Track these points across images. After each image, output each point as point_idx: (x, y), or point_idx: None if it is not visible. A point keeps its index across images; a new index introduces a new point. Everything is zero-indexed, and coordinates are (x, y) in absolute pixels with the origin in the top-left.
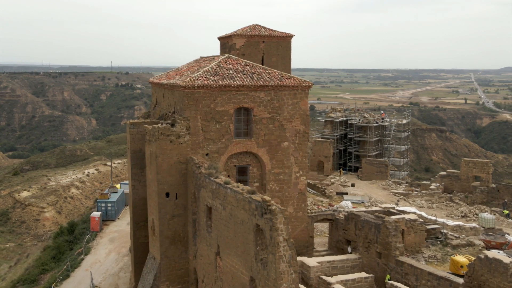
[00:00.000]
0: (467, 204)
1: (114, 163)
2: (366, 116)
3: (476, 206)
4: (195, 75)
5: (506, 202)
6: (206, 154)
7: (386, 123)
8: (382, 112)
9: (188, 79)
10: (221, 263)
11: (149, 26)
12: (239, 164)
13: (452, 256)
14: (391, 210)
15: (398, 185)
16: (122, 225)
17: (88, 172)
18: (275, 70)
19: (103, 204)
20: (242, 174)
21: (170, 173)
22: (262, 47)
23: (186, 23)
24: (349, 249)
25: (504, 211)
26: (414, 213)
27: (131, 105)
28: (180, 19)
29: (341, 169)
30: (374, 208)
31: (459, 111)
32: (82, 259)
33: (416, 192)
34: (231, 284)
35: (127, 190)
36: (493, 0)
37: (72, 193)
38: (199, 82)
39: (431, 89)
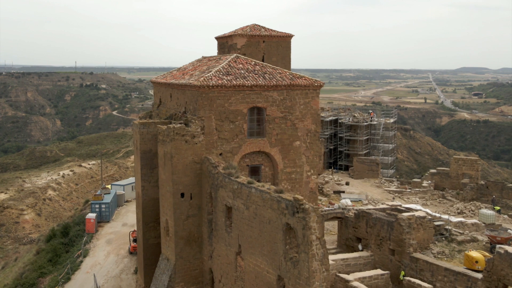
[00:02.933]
0: (459, 201)
1: (89, 164)
2: (356, 115)
3: (471, 202)
4: (208, 74)
5: (495, 198)
6: (220, 154)
7: (375, 122)
8: (370, 111)
9: (202, 78)
10: (243, 263)
11: (114, 26)
12: (251, 163)
13: (466, 252)
14: (398, 207)
15: (390, 183)
16: (117, 227)
17: (63, 174)
18: (284, 70)
19: (97, 206)
20: (254, 173)
21: (185, 173)
22: (262, 47)
23: (153, 22)
24: (359, 247)
25: (495, 207)
26: (420, 210)
27: (96, 105)
28: (147, 19)
29: (332, 167)
30: (381, 206)
31: (419, 110)
32: (81, 262)
33: (409, 190)
34: (255, 284)
35: (119, 191)
36: (448, 2)
37: (50, 194)
38: (213, 82)
39: (392, 89)
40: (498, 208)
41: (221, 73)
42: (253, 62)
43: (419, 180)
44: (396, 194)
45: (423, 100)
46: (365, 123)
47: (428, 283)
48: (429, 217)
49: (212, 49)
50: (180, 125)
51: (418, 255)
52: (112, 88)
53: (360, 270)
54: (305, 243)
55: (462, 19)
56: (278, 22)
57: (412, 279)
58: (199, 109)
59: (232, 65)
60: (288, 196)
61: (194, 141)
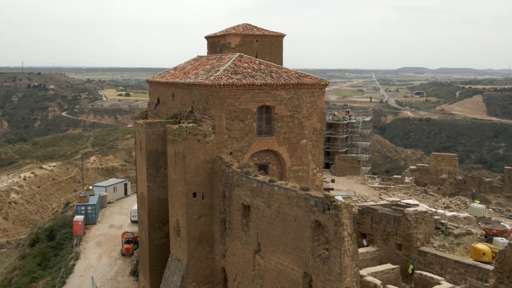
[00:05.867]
0: (441, 196)
1: (50, 166)
2: (335, 113)
3: (456, 197)
4: (218, 73)
5: (475, 193)
6: (230, 153)
7: (353, 121)
8: (349, 110)
9: (212, 77)
10: (262, 261)
11: (63, 24)
12: (259, 162)
13: (472, 244)
14: (398, 203)
15: (373, 180)
16: (105, 228)
17: (25, 176)
18: (289, 69)
19: (83, 208)
20: (262, 172)
21: (197, 172)
22: (255, 46)
23: (107, 21)
24: (364, 242)
25: (475, 201)
26: (418, 205)
27: (44, 106)
28: (102, 18)
29: None
30: (382, 202)
31: (365, 109)
32: (74, 265)
33: (393, 186)
34: (277, 281)
35: (102, 193)
36: (390, 4)
37: (13, 198)
38: (224, 81)
39: (338, 88)
40: (478, 201)
41: (229, 72)
42: (257, 61)
43: (399, 176)
44: (382, 190)
45: (368, 99)
46: (345, 122)
47: (437, 276)
48: (430, 212)
49: (164, 49)
50: (192, 124)
51: (426, 248)
52: (60, 89)
53: (368, 265)
54: (337, 240)
55: (401, 21)
56: (225, 23)
57: (424, 273)
58: (210, 108)
59: (237, 64)
60: (317, 193)
61: (205, 141)
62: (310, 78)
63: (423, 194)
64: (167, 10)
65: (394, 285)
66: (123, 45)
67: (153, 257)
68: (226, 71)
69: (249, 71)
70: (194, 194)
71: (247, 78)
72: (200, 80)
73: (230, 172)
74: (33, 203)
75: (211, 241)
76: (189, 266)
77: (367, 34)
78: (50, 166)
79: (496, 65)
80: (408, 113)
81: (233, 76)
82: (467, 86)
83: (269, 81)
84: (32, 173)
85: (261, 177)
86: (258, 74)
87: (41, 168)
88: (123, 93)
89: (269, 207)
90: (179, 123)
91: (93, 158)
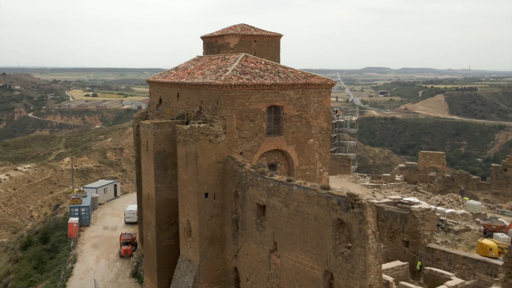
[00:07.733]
0: (431, 193)
1: (25, 168)
2: None
3: (449, 194)
4: (227, 74)
5: (463, 190)
6: (240, 153)
7: (342, 120)
8: (337, 109)
9: (223, 78)
10: (278, 260)
11: (30, 24)
12: (268, 162)
13: (479, 240)
14: (401, 200)
15: (364, 178)
16: (99, 230)
17: (0, 179)
18: (295, 69)
19: (76, 210)
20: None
21: (209, 173)
22: (253, 46)
23: (72, 20)
24: None
25: (464, 198)
26: (420, 203)
27: (10, 107)
28: (67, 17)
29: None
30: (385, 200)
31: (332, 108)
32: (72, 268)
33: (385, 184)
34: (295, 280)
35: (94, 194)
36: (353, 5)
37: None
38: (235, 81)
39: None
40: (467, 198)
41: (238, 72)
42: (263, 61)
43: (388, 174)
44: (375, 189)
45: (334, 99)
46: (334, 121)
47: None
48: (433, 209)
49: (132, 49)
50: (204, 124)
51: (434, 245)
52: (26, 90)
53: None
54: (361, 237)
55: (364, 22)
56: (189, 23)
57: (434, 269)
58: (221, 108)
59: (244, 64)
60: (339, 192)
61: (217, 141)
62: (317, 78)
63: (414, 192)
64: (135, 9)
65: (404, 281)
66: (89, 44)
67: (160, 258)
68: (234, 71)
69: (257, 71)
70: (206, 195)
71: (256, 78)
72: (210, 80)
73: (243, 172)
74: (10, 205)
75: (222, 241)
76: (201, 267)
77: (330, 35)
78: (25, 168)
79: (455, 65)
80: (373, 112)
81: (243, 76)
82: (429, 86)
83: (278, 81)
84: (7, 175)
85: (277, 177)
86: (266, 74)
87: (16, 170)
88: (90, 93)
89: (286, 207)
90: (187, 123)
91: (67, 159)
